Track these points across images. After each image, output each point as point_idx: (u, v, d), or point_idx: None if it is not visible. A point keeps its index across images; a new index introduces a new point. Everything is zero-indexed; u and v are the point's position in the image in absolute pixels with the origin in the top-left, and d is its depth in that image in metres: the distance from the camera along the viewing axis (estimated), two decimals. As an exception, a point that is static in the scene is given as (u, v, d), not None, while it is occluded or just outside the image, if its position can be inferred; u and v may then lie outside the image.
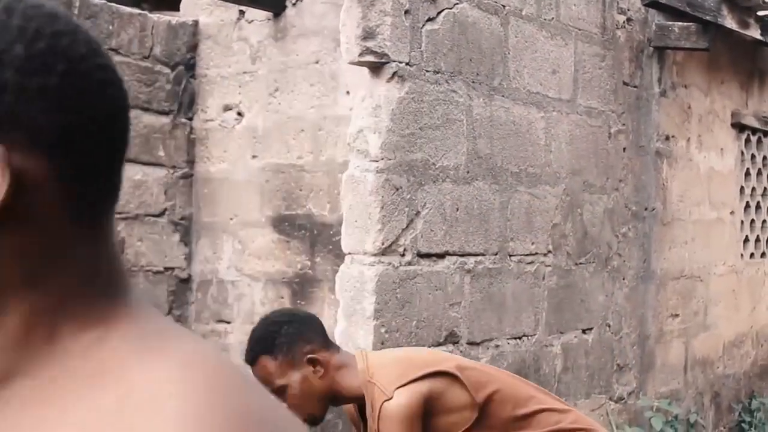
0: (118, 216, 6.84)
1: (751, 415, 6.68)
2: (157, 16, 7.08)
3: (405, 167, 3.91)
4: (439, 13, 4.12)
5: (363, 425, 2.88)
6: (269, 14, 6.44)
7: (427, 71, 4.05)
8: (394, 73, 3.90)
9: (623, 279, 5.39)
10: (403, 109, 3.92)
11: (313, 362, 2.77)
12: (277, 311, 3.05)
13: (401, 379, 2.75)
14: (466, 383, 2.82)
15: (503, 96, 4.48)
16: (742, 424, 6.63)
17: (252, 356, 2.80)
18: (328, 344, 2.85)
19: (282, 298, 6.36)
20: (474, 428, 2.84)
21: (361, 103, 3.92)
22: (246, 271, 7.07)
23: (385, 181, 3.82)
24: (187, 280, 7.30)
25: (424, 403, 2.74)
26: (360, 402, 2.83)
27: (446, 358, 2.91)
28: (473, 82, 4.30)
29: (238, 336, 7.06)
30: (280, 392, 2.78)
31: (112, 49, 6.81)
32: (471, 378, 2.85)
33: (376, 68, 3.91)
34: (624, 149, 5.39)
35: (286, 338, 2.78)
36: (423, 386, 2.76)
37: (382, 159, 3.82)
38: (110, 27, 6.80)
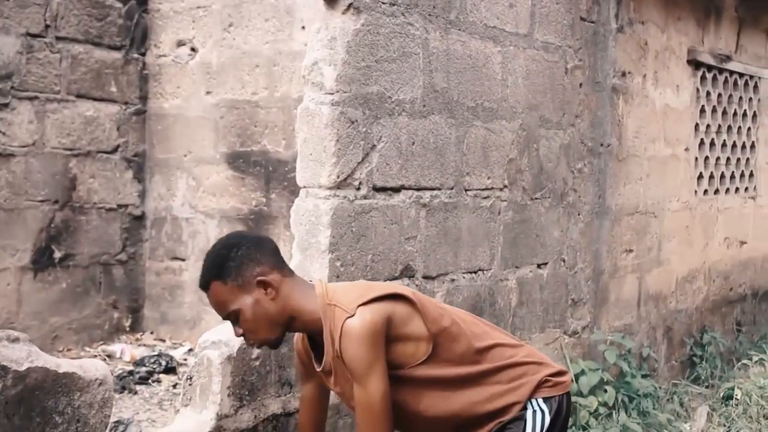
0: (69, 152, 6.74)
1: (703, 349, 6.80)
2: (106, -52, 6.91)
3: (360, 100, 3.87)
4: (395, -57, 4.05)
5: (315, 354, 2.87)
6: (222, -54, 6.28)
7: (383, 3, 3.99)
8: (350, 5, 3.83)
9: (578, 214, 5.41)
10: (359, 42, 3.87)
11: (263, 284, 2.76)
12: (228, 234, 3.01)
13: (363, 297, 2.73)
14: (423, 313, 2.82)
15: (460, 30, 4.43)
16: (694, 358, 6.75)
17: (204, 282, 2.78)
18: (280, 266, 2.83)
19: (237, 235, 6.30)
20: (429, 362, 2.83)
21: (317, 35, 3.85)
22: (200, 208, 7.01)
23: (341, 114, 3.78)
24: (140, 218, 7.23)
25: (387, 323, 2.72)
26: (313, 330, 2.81)
27: (404, 288, 2.91)
28: (430, 15, 4.25)
29: (193, 273, 7.02)
30: (234, 317, 2.76)
31: (61, -18, 6.65)
32: (427, 310, 2.85)
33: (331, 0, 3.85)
34: (580, 85, 5.38)
35: (235, 262, 2.76)
36: (386, 306, 2.74)
37: (338, 92, 3.77)
38: (59, -42, 6.63)
